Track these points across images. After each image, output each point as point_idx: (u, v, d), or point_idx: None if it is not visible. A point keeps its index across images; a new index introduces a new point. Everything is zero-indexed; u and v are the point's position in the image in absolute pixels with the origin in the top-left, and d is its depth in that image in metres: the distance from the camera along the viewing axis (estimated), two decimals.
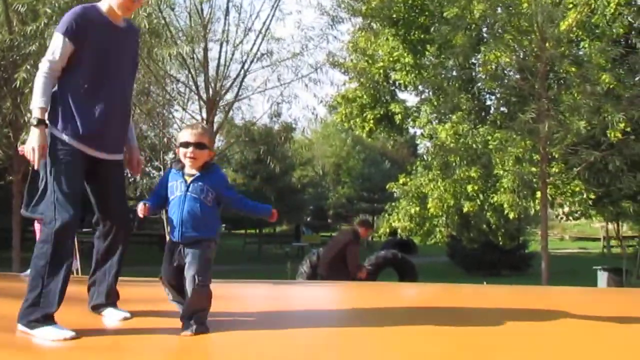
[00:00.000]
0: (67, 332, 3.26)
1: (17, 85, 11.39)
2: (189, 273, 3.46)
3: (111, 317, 3.72)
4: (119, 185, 3.74)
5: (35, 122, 3.33)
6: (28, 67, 11.17)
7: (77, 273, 13.38)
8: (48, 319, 3.26)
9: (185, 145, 3.52)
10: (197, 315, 3.48)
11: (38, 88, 3.38)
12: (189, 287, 3.45)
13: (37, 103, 3.36)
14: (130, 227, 3.82)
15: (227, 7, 14.93)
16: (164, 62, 14.27)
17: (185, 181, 3.54)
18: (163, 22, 14.11)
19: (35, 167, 3.36)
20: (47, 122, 3.41)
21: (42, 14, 11.58)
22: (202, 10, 14.60)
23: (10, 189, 14.65)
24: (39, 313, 3.26)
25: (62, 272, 3.34)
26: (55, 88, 3.47)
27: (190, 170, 3.56)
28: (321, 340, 3.66)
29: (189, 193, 3.53)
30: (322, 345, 3.55)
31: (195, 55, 14.66)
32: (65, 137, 3.42)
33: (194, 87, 15.08)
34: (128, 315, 3.72)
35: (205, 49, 14.65)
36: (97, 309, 3.78)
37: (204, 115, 14.62)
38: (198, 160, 3.55)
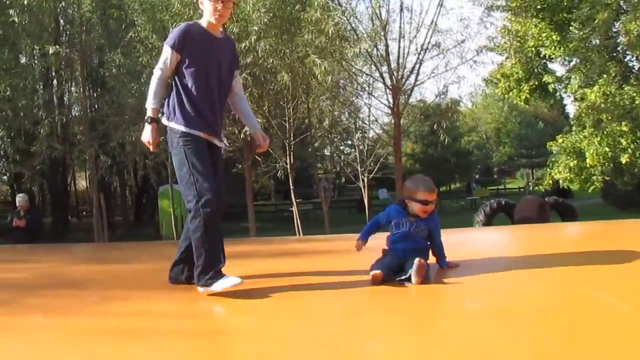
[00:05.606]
0: (236, 279, 3.52)
1: None
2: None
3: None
4: (220, 168, 3.90)
5: (148, 120, 3.69)
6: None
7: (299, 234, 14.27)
8: (218, 274, 3.56)
9: (425, 203, 3.90)
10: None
11: (151, 91, 3.72)
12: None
13: (150, 104, 3.70)
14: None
15: (401, 8, 16.48)
16: (352, 60, 15.88)
17: (410, 221, 3.95)
18: (350, 27, 15.88)
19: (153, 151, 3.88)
20: (165, 118, 3.78)
21: (250, 33, 12.60)
22: (380, 13, 16.10)
23: (242, 173, 16.27)
24: (211, 272, 3.54)
25: (217, 236, 3.62)
26: (174, 91, 3.76)
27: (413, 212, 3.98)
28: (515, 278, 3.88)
29: (412, 230, 3.94)
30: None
31: (378, 52, 16.28)
32: (184, 129, 3.67)
33: (379, 77, 16.71)
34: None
35: (386, 46, 16.30)
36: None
37: (390, 99, 16.41)
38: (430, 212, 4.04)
